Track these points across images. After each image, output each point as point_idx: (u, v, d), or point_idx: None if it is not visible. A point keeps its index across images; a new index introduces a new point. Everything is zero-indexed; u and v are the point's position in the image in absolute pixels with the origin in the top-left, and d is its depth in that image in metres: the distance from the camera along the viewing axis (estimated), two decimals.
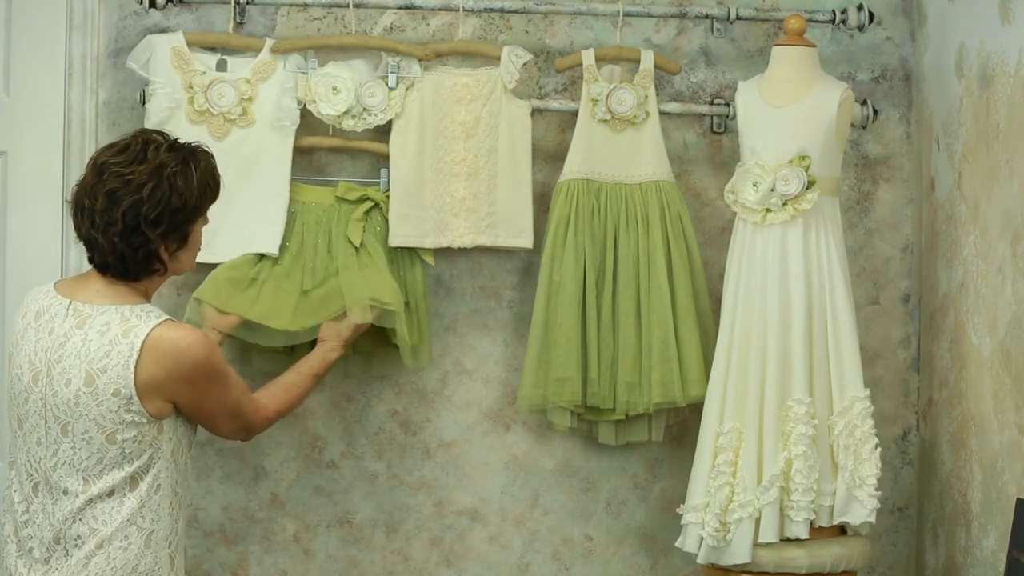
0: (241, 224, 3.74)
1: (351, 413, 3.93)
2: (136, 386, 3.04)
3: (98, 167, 3.09)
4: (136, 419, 3.05)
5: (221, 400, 3.19)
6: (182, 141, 3.17)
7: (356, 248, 3.74)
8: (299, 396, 3.47)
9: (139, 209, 3.05)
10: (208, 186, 3.18)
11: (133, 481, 3.08)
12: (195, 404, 3.15)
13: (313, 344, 3.64)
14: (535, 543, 3.96)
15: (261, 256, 3.74)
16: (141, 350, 3.04)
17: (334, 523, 3.94)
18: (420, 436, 3.94)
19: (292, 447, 3.92)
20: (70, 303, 3.11)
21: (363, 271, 3.73)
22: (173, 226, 3.09)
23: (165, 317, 3.10)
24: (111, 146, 3.13)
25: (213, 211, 3.71)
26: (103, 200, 3.05)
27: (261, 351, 3.76)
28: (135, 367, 3.03)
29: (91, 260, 3.14)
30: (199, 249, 3.23)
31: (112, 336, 3.06)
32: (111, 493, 3.07)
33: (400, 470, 3.94)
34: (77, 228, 3.12)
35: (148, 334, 3.05)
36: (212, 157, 3.21)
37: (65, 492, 3.07)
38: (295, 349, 3.73)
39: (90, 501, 3.06)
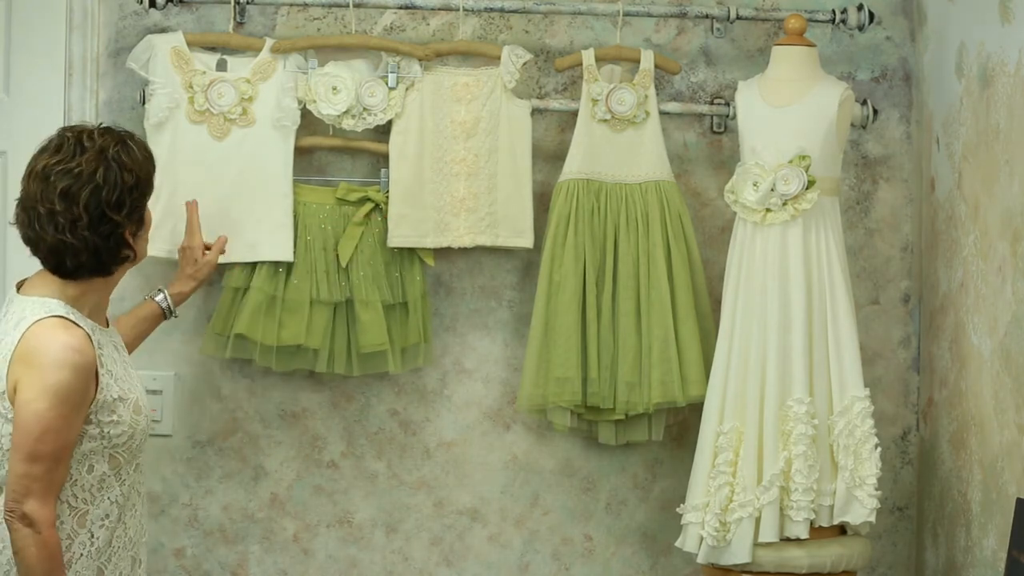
0: (244, 225, 3.73)
1: (351, 413, 3.93)
2: (7, 380, 2.97)
3: (41, 173, 3.03)
4: (9, 415, 2.99)
5: (33, 418, 2.93)
6: (105, 124, 3.13)
7: (344, 267, 3.75)
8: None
9: (99, 196, 3.01)
10: (148, 157, 3.14)
11: None
12: (19, 408, 2.95)
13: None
14: (535, 543, 3.96)
15: (270, 265, 3.74)
16: (18, 344, 2.98)
17: (334, 523, 3.94)
18: (420, 436, 3.94)
19: (292, 447, 3.92)
20: (13, 294, 3.09)
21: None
22: (134, 203, 3.07)
23: (58, 313, 3.02)
24: (43, 151, 3.07)
25: (211, 210, 3.74)
26: (60, 201, 3.00)
27: (265, 349, 3.76)
28: (10, 360, 2.98)
29: (56, 269, 3.05)
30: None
31: (7, 327, 3.03)
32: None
33: (400, 470, 3.94)
34: (37, 241, 3.04)
35: (28, 328, 2.99)
36: (139, 137, 3.18)
37: None
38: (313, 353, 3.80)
39: None
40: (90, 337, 3.03)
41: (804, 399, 3.55)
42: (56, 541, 2.97)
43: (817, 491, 3.54)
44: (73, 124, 3.15)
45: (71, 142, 3.05)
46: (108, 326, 3.20)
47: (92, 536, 3.07)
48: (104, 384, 3.05)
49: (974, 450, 3.56)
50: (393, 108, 3.78)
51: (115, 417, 3.06)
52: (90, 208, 3.01)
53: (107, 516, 3.09)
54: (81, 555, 3.06)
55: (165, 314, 3.60)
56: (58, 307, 3.03)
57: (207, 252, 3.65)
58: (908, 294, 3.99)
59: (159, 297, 3.59)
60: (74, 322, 3.02)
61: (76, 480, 3.04)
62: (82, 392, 2.99)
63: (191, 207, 3.67)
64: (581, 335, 3.76)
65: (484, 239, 3.81)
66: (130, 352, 3.40)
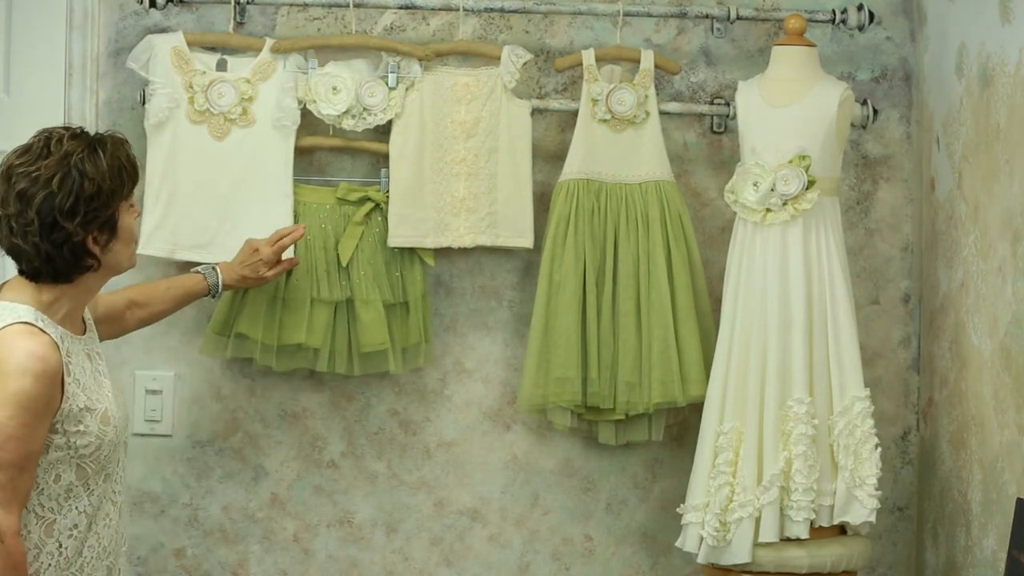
0: (243, 225, 3.73)
1: (351, 413, 3.93)
2: None
3: (6, 173, 2.97)
4: None
5: None
6: (87, 129, 3.05)
7: (344, 266, 3.75)
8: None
9: (52, 203, 2.92)
10: (122, 167, 3.01)
11: None
12: None
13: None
14: (535, 543, 3.96)
15: None
16: None
17: (334, 523, 3.94)
18: (420, 436, 3.94)
19: (292, 447, 3.92)
20: None
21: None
22: (92, 214, 2.95)
23: (25, 320, 2.94)
24: (15, 150, 3.00)
25: (211, 210, 3.74)
26: (15, 204, 2.93)
27: (265, 349, 3.76)
28: None
29: (21, 272, 3.00)
30: (135, 241, 3.10)
31: None
32: None
33: (400, 470, 3.94)
34: (0, 242, 3.00)
35: None
36: (125, 143, 3.06)
37: None
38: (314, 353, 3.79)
39: None
40: (57, 345, 2.95)
41: (804, 399, 3.55)
42: (21, 550, 2.89)
43: (817, 491, 3.54)
44: (62, 125, 3.07)
45: (40, 144, 2.98)
46: (85, 333, 3.10)
47: (60, 546, 3.00)
48: (70, 393, 2.96)
49: (974, 450, 3.56)
50: (393, 108, 3.78)
51: (81, 427, 2.98)
52: (42, 214, 2.92)
53: (75, 526, 3.02)
54: (50, 565, 2.99)
55: (211, 293, 3.59)
56: (27, 313, 2.95)
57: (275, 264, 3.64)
58: (908, 294, 3.99)
59: (211, 277, 3.58)
60: (41, 329, 2.94)
61: (43, 489, 2.97)
62: (45, 400, 2.91)
63: (298, 231, 3.67)
64: (581, 335, 3.76)
65: (484, 239, 3.81)
66: (160, 319, 3.53)
